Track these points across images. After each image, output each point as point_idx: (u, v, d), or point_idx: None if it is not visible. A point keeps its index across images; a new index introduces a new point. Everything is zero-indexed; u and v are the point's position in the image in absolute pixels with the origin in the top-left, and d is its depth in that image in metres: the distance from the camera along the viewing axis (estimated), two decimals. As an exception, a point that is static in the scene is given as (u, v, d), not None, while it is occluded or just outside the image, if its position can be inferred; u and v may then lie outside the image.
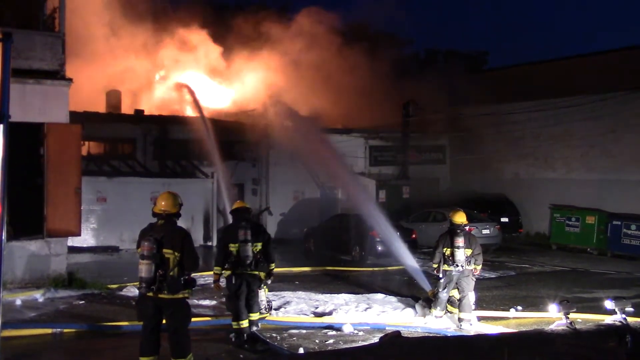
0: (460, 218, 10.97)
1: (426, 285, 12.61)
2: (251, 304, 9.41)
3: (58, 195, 12.83)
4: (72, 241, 15.78)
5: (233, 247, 9.25)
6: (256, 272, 9.40)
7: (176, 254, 6.91)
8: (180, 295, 6.97)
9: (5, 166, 5.68)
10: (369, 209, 16.53)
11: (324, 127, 28.51)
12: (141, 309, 7.12)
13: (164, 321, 7.11)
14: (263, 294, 10.11)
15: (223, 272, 9.34)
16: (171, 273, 6.88)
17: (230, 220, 10.22)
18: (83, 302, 11.93)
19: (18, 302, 11.39)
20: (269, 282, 10.05)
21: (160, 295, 6.88)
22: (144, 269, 6.85)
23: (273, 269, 9.83)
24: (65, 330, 9.67)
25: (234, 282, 9.22)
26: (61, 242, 13.22)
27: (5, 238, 5.72)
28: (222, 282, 9.49)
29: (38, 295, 11.91)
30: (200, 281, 13.39)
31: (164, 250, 6.91)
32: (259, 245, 9.43)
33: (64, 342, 9.45)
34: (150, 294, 6.89)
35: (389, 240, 15.45)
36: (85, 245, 19.64)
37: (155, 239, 6.90)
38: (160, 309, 6.98)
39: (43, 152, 12.96)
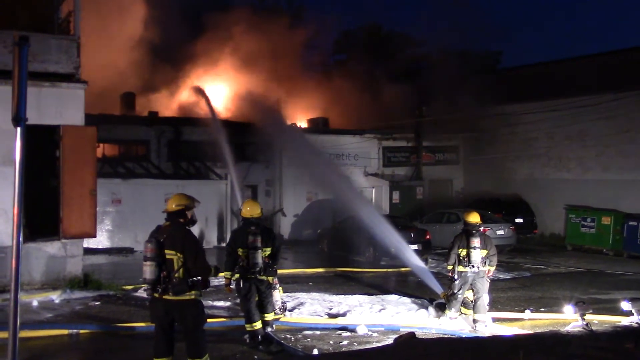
0: (474, 218, 10.94)
1: (437, 288, 12.57)
2: (265, 304, 9.42)
3: (73, 197, 12.93)
4: (88, 243, 15.91)
5: (242, 252, 9.24)
6: (264, 278, 9.38)
7: (179, 255, 6.86)
8: (187, 297, 6.92)
9: (22, 168, 5.73)
10: (367, 212, 16.25)
11: (337, 128, 28.65)
12: (152, 310, 7.12)
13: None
14: (278, 295, 10.12)
15: (234, 276, 9.33)
16: (176, 275, 6.85)
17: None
18: (98, 303, 12.01)
19: (35, 303, 11.50)
20: (277, 285, 10.07)
21: (166, 297, 6.86)
22: (147, 270, 6.84)
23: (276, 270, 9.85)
24: (81, 331, 9.74)
25: (242, 286, 9.24)
26: (77, 244, 13.32)
27: (22, 240, 5.77)
28: (233, 285, 9.51)
29: (54, 297, 12.02)
30: (215, 282, 13.38)
31: (166, 252, 6.88)
32: (268, 251, 9.40)
33: (80, 342, 9.51)
34: (156, 295, 6.90)
35: (394, 244, 15.37)
36: (100, 247, 19.77)
37: (157, 240, 6.89)
38: (171, 311, 6.98)
39: (59, 154, 13.07)
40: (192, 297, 6.96)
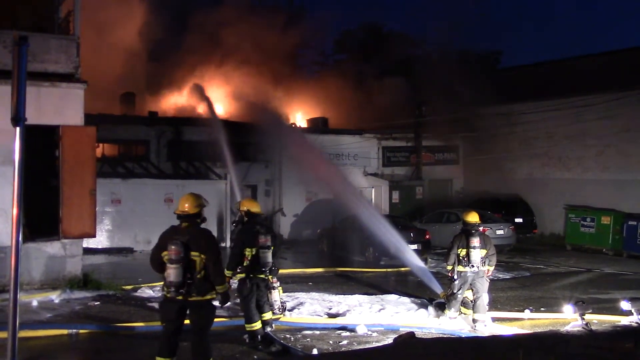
0: (473, 218, 10.95)
1: (436, 287, 12.58)
2: (261, 304, 9.42)
3: (73, 196, 12.92)
4: (87, 242, 15.90)
5: (249, 252, 9.24)
6: (266, 277, 9.44)
7: (202, 256, 6.86)
8: (209, 297, 6.96)
9: (22, 168, 5.73)
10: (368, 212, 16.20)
11: (336, 128, 28.66)
12: (165, 311, 7.06)
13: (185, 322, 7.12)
14: (277, 295, 10.10)
15: (236, 275, 9.32)
16: (198, 276, 6.85)
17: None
18: (98, 303, 12.00)
19: (34, 303, 11.48)
20: (277, 285, 10.07)
21: (191, 299, 6.85)
22: (173, 273, 6.74)
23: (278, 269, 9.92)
24: (81, 331, 9.72)
25: (248, 285, 9.24)
26: (76, 244, 13.31)
27: (21, 240, 5.77)
28: (232, 284, 9.50)
29: (54, 297, 12.00)
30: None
31: (192, 253, 6.85)
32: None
33: (80, 342, 9.50)
34: (180, 297, 6.83)
35: (393, 244, 15.34)
36: (100, 247, 19.76)
37: (182, 242, 6.81)
38: (184, 311, 6.97)
39: (58, 154, 13.05)
40: (213, 296, 7.01)
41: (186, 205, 7.12)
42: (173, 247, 6.77)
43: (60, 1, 14.42)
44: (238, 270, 9.26)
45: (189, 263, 6.82)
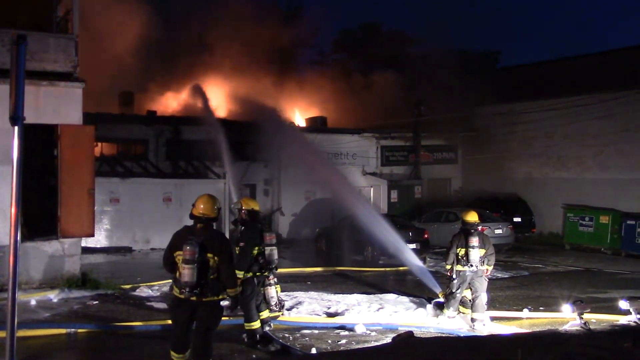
0: (472, 217, 10.96)
1: (435, 287, 12.58)
2: (258, 304, 9.43)
3: (71, 196, 12.91)
4: (86, 242, 15.88)
5: (256, 250, 9.27)
6: (271, 274, 9.51)
7: (216, 258, 6.86)
8: (221, 297, 6.98)
9: (20, 167, 5.72)
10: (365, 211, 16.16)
11: (335, 127, 28.66)
12: (177, 312, 7.03)
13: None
14: (274, 291, 10.08)
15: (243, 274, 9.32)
16: (212, 277, 6.85)
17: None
18: (97, 302, 12.00)
19: (33, 302, 11.49)
20: (273, 282, 10.08)
21: (205, 299, 6.85)
22: (187, 273, 6.70)
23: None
24: (79, 331, 9.72)
25: (255, 283, 9.24)
26: (75, 243, 13.30)
27: (20, 239, 5.75)
28: None
29: (52, 296, 12.01)
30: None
31: (208, 255, 6.84)
32: None
33: (78, 342, 9.49)
34: (194, 298, 6.82)
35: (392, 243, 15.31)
36: (98, 246, 19.75)
37: (197, 242, 6.80)
38: (195, 310, 6.96)
39: (57, 153, 13.05)
40: (224, 296, 7.02)
41: (204, 207, 7.07)
42: (188, 247, 6.75)
43: (58, 0, 14.40)
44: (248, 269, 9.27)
45: (203, 264, 6.81)
